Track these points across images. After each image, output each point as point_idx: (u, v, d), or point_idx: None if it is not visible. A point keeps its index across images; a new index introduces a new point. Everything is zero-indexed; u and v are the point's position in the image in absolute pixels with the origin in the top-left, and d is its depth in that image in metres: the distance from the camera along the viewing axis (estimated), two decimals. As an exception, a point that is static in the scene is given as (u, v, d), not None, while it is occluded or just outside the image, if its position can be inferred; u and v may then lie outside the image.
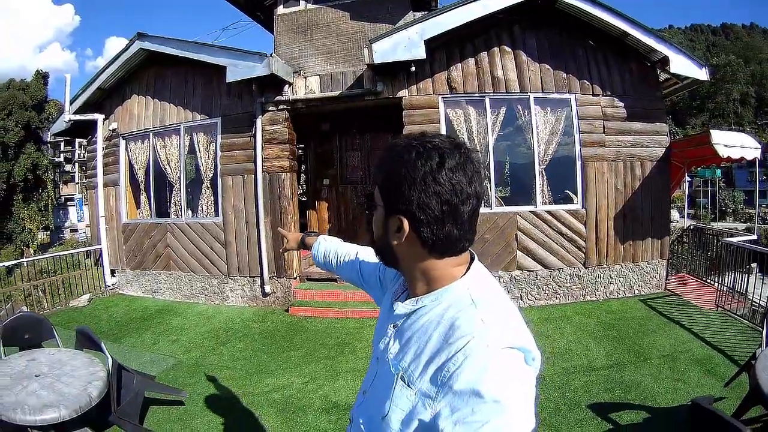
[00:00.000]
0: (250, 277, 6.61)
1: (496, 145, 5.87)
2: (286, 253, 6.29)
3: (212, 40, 6.71)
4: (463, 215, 0.76)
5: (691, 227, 7.95)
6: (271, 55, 6.02)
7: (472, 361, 0.68)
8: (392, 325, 0.87)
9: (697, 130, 41.59)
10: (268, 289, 6.41)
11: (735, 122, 47.57)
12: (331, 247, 1.48)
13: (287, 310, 5.97)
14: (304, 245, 1.63)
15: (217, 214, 6.86)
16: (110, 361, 3.06)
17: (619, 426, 3.03)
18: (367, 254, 1.30)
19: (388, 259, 0.88)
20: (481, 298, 0.76)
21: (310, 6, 6.83)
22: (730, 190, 40.57)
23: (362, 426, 0.89)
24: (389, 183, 0.79)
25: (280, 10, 6.96)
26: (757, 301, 5.28)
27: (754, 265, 5.66)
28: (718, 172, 25.91)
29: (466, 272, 0.81)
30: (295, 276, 6.37)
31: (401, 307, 0.84)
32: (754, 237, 6.48)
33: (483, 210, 5.82)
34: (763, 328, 2.78)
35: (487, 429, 0.63)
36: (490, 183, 5.60)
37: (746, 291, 5.41)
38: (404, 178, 0.75)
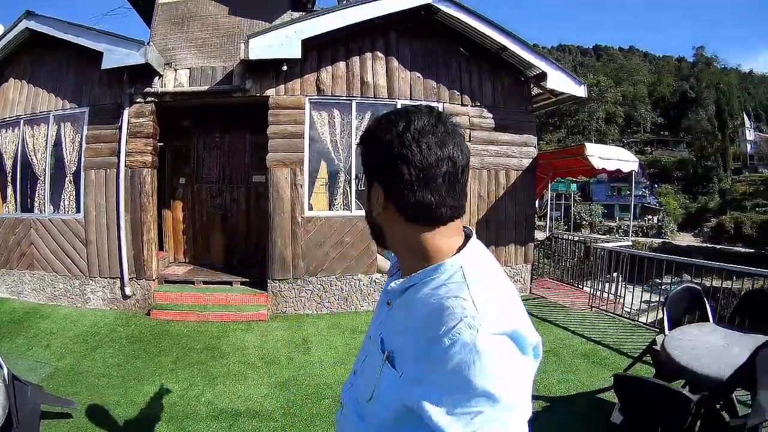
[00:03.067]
0: (110, 278, 6.15)
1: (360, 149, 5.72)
2: (144, 254, 5.91)
3: (94, 24, 6.35)
4: (435, 178, 0.73)
5: (561, 236, 8.16)
6: (148, 43, 5.69)
7: (460, 347, 0.63)
8: (386, 303, 0.83)
9: (552, 145, 44.08)
10: (128, 291, 6.00)
11: (597, 140, 51.12)
12: None
13: (148, 314, 5.66)
14: None
15: (78, 210, 6.36)
16: (5, 371, 2.64)
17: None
18: None
19: (376, 234, 0.85)
20: (474, 277, 0.71)
21: (191, -3, 6.54)
22: (587, 203, 43.39)
23: (352, 409, 0.84)
24: (366, 153, 0.79)
25: (161, -1, 6.64)
26: (629, 302, 5.63)
27: (615, 274, 5.85)
28: (574, 186, 27.29)
29: (460, 249, 0.76)
30: (153, 278, 5.99)
31: (393, 285, 0.81)
32: (629, 243, 6.67)
33: (342, 213, 5.71)
34: (663, 315, 3.15)
35: (478, 420, 0.60)
36: (350, 186, 5.41)
37: (618, 292, 5.75)
38: (376, 143, 0.75)
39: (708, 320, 3.20)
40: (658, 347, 2.98)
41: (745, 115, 61.15)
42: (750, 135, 58.28)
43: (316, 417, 3.17)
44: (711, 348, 2.66)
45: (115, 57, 5.77)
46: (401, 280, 0.79)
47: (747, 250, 33.43)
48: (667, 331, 2.98)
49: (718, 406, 2.43)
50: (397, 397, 0.71)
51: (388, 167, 0.73)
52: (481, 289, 0.69)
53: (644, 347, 3.96)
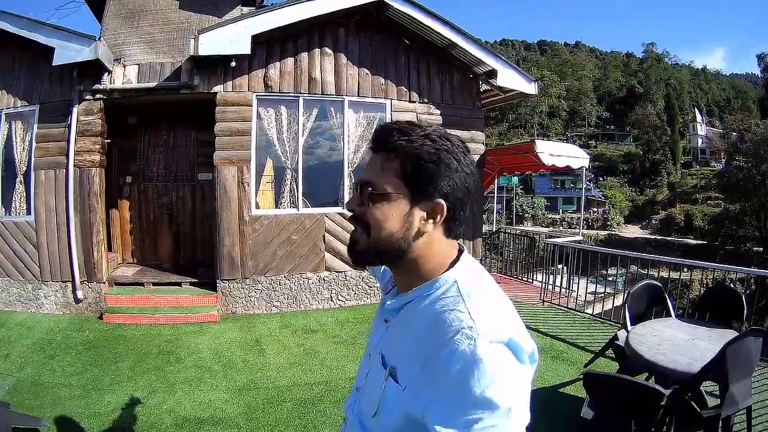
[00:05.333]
0: (62, 282, 6.06)
1: (307, 146, 5.74)
2: (94, 256, 5.84)
3: (46, 19, 6.16)
4: (471, 199, 0.82)
5: (507, 230, 8.18)
6: (99, 38, 5.58)
7: (459, 357, 0.65)
8: (384, 320, 0.86)
9: (494, 139, 44.32)
10: (80, 294, 5.91)
11: (540, 133, 51.48)
12: None
13: (101, 317, 5.58)
14: None
15: (29, 213, 6.24)
16: None
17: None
18: None
19: (393, 254, 0.80)
20: (469, 290, 0.74)
21: (143, -9, 6.43)
22: (529, 197, 43.76)
23: (357, 424, 0.86)
24: (420, 169, 0.76)
25: (116, -8, 6.52)
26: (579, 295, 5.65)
27: (560, 266, 5.90)
28: (515, 179, 27.31)
29: (453, 264, 0.80)
30: (104, 280, 5.92)
31: (389, 303, 0.84)
32: (580, 238, 6.70)
33: (290, 211, 5.68)
34: (625, 310, 3.23)
35: (478, 428, 0.62)
36: (297, 184, 5.38)
37: (570, 286, 5.79)
38: (440, 162, 0.76)
39: (670, 315, 3.28)
40: (620, 342, 3.05)
41: (696, 111, 62.39)
42: (701, 130, 59.30)
43: (279, 422, 3.16)
44: (677, 343, 2.72)
45: (66, 53, 5.64)
46: (397, 297, 0.83)
47: (698, 241, 34.32)
48: (629, 327, 3.05)
49: (687, 398, 2.50)
50: (402, 409, 0.74)
51: (453, 186, 0.77)
52: (477, 301, 0.72)
53: (602, 341, 4.18)
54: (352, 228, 0.82)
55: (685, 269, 5.91)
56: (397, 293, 0.85)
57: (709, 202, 41.68)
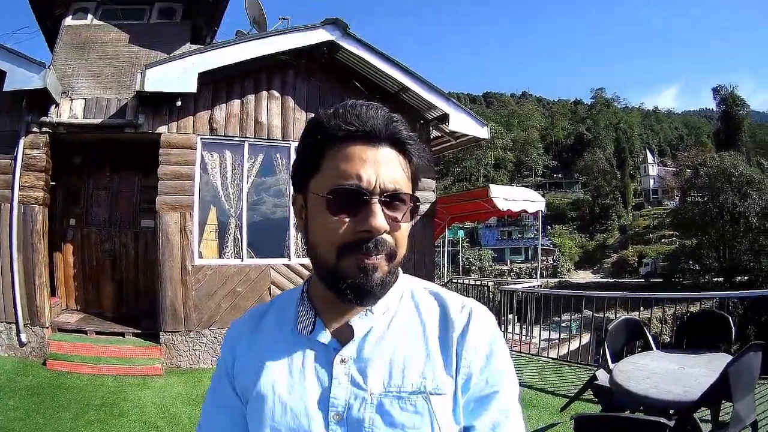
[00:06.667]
0: (6, 322, 5.88)
1: (252, 194, 5.60)
2: (37, 299, 5.71)
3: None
4: None
5: (460, 281, 8.14)
6: (49, 67, 5.41)
7: (482, 323, 0.67)
8: (340, 361, 0.64)
9: (439, 192, 43.55)
10: (23, 338, 5.75)
11: (483, 185, 51.51)
12: None
13: (45, 363, 5.45)
14: None
15: (-27, 247, 6.10)
16: None
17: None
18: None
19: (395, 270, 0.67)
20: (430, 286, 0.73)
21: (96, 21, 6.27)
22: (476, 249, 44.35)
23: None
24: (418, 173, 0.68)
25: (68, 21, 6.37)
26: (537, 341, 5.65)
27: (511, 316, 5.88)
28: (461, 233, 27.62)
29: None
30: (47, 325, 5.78)
31: (358, 324, 0.65)
32: (537, 283, 6.65)
33: (234, 262, 5.53)
34: (604, 348, 3.20)
35: (508, 378, 0.67)
36: (241, 233, 5.22)
37: (529, 332, 5.77)
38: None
39: (651, 348, 3.27)
40: (600, 382, 3.02)
41: (648, 152, 63.49)
42: (653, 171, 60.33)
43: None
44: (667, 373, 2.71)
45: (17, 79, 5.46)
46: (357, 318, 0.65)
47: (655, 280, 34.77)
48: (610, 365, 3.01)
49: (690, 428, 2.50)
50: (453, 416, 0.65)
51: None
52: (439, 287, 0.72)
53: (571, 384, 4.25)
54: (377, 256, 0.61)
55: (642, 308, 5.91)
56: (324, 326, 0.66)
57: (663, 240, 42.46)
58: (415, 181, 0.66)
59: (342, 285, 0.61)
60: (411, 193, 0.64)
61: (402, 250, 0.64)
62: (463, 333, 0.65)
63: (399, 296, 0.68)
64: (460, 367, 0.64)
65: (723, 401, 2.42)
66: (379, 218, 0.59)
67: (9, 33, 22.85)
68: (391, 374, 0.63)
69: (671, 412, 2.35)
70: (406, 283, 0.71)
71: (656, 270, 37.73)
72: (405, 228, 0.64)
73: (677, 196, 42.85)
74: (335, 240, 0.60)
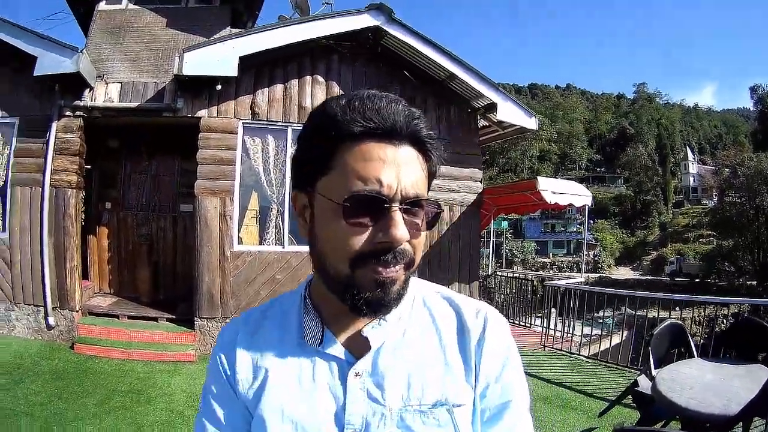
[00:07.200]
0: (34, 305, 5.81)
1: None
2: (68, 282, 5.61)
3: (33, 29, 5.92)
4: None
5: (505, 273, 8.06)
6: (81, 51, 5.32)
7: (498, 330, 0.65)
8: (354, 375, 0.59)
9: (484, 183, 43.93)
10: (51, 321, 5.67)
11: (530, 177, 51.94)
12: None
13: (72, 347, 5.35)
14: None
15: (4, 230, 5.99)
16: None
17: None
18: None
19: (410, 277, 0.64)
20: (439, 289, 0.70)
21: (131, 6, 6.17)
22: (519, 241, 44.18)
23: None
24: (432, 175, 0.62)
25: (102, 5, 6.27)
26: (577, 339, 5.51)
27: (554, 310, 5.77)
28: (505, 224, 27.77)
29: None
30: (77, 309, 5.68)
31: (372, 334, 0.60)
32: (582, 279, 6.56)
33: (275, 248, 5.41)
34: (649, 354, 3.08)
35: (521, 385, 0.64)
36: (283, 220, 5.11)
37: (571, 330, 5.62)
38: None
39: (693, 356, 3.16)
40: (642, 389, 2.93)
41: (688, 149, 63.05)
42: (693, 168, 59.88)
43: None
44: (708, 384, 2.64)
45: (48, 63, 5.38)
46: (369, 328, 0.61)
47: (680, 279, 34.52)
48: (654, 371, 2.92)
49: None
50: (472, 426, 0.63)
51: None
52: (453, 294, 0.69)
53: (611, 387, 4.12)
54: (395, 267, 0.56)
55: (677, 308, 5.87)
56: (334, 338, 0.62)
57: (701, 240, 42.07)
58: (430, 180, 0.62)
59: (357, 299, 0.56)
60: (428, 197, 0.58)
61: (419, 257, 0.60)
62: (480, 340, 0.63)
63: (411, 302, 0.65)
64: (480, 375, 0.62)
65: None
66: (401, 228, 0.54)
67: (40, 19, 23.11)
68: (410, 387, 0.60)
69: (707, 425, 2.29)
70: (416, 287, 0.67)
71: (681, 269, 37.21)
72: (423, 234, 0.60)
73: (716, 195, 42.36)
74: (350, 250, 0.54)
